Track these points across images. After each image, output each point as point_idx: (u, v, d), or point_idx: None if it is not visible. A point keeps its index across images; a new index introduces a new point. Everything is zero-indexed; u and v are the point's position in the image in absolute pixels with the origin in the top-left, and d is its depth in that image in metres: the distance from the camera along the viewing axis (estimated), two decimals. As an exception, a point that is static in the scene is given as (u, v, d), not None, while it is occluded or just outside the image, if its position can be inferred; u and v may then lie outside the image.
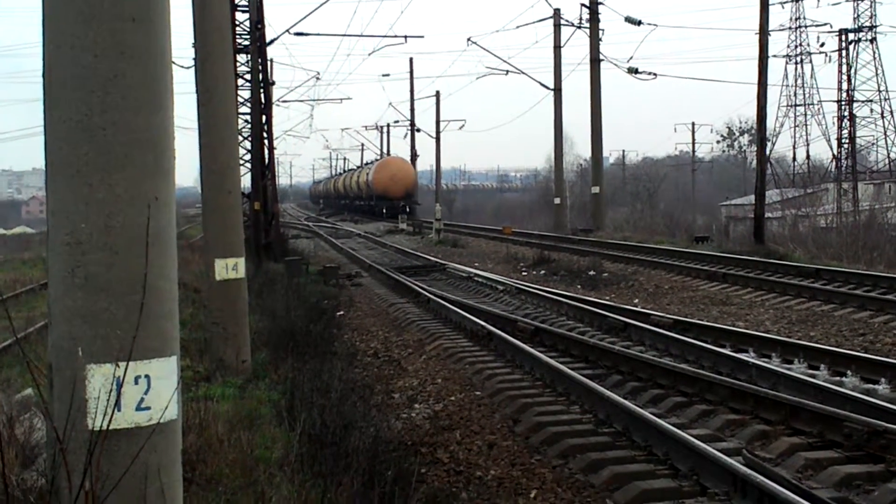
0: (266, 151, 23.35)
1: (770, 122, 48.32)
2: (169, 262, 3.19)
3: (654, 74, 33.53)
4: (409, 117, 61.22)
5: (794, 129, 63.99)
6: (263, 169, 23.15)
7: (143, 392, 3.04)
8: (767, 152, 34.99)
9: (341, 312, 15.45)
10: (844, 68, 55.99)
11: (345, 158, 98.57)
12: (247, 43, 22.66)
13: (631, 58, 73.95)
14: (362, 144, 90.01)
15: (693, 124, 76.36)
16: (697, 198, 69.32)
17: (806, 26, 61.68)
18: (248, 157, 22.93)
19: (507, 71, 40.56)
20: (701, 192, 73.67)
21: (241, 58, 22.48)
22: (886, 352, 10.72)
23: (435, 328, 13.23)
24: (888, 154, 59.69)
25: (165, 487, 3.10)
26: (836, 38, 56.54)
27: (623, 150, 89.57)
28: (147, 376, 3.05)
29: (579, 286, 18.72)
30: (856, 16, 57.74)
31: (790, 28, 62.26)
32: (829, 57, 57.68)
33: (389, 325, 14.20)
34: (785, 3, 59.86)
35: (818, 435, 6.90)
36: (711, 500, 5.80)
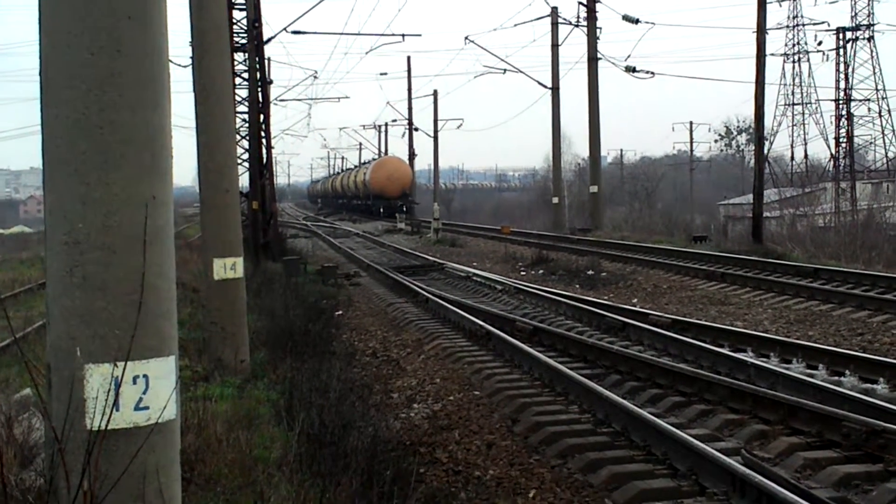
0: (264, 150, 23.32)
1: (768, 121, 48.30)
2: (167, 262, 3.18)
3: (652, 73, 33.52)
4: (407, 116, 61.21)
5: (792, 128, 64.12)
6: (261, 168, 23.11)
7: (142, 392, 3.04)
8: (765, 151, 35.01)
9: (340, 312, 15.44)
10: (842, 67, 56.16)
11: (343, 158, 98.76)
12: (244, 41, 22.62)
13: (629, 56, 74.16)
14: (360, 144, 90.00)
15: (691, 123, 76.32)
16: (695, 197, 69.31)
17: (804, 25, 61.80)
18: (246, 156, 22.92)
19: (505, 70, 40.48)
20: (699, 192, 73.66)
21: (239, 56, 22.46)
22: (885, 351, 10.72)
23: (433, 328, 13.22)
24: (886, 153, 59.82)
25: (164, 487, 3.10)
26: (834, 37, 56.75)
27: (621, 150, 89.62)
28: (145, 376, 3.04)
29: (578, 286, 18.72)
30: (853, 14, 57.85)
31: (788, 26, 62.38)
32: (827, 55, 57.75)
33: (388, 325, 14.19)
34: (782, 1, 59.93)
35: (817, 434, 6.90)
36: (710, 500, 5.80)
